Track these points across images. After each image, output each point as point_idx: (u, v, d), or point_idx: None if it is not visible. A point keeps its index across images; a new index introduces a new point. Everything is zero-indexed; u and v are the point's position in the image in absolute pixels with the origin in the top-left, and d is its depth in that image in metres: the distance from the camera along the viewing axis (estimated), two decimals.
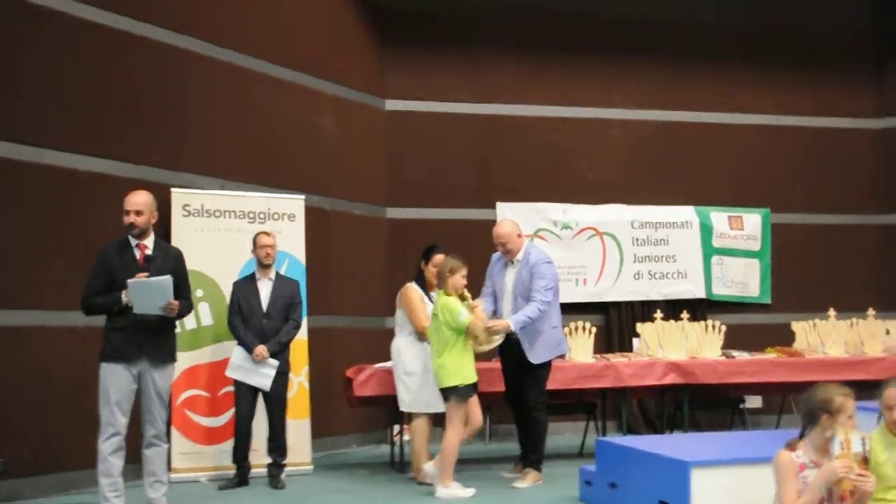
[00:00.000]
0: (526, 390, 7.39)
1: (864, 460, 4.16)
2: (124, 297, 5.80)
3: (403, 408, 7.55)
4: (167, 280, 5.89)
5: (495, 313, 7.48)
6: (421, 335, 7.38)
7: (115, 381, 5.84)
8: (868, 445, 4.17)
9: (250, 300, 7.48)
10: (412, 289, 7.60)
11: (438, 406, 7.20)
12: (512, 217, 10.81)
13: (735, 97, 11.72)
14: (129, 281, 5.78)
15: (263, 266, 7.56)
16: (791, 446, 4.46)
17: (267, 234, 7.66)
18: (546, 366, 7.40)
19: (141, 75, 8.07)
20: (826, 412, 4.32)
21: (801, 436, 4.48)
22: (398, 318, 7.68)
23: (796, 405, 4.64)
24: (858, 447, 4.15)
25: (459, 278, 6.87)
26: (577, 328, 8.48)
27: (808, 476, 4.28)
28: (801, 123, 11.90)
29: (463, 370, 6.79)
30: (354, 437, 9.95)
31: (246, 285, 7.56)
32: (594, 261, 10.87)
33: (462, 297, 6.88)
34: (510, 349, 7.33)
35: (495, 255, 7.81)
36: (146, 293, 5.82)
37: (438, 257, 7.44)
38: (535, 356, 7.29)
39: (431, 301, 7.37)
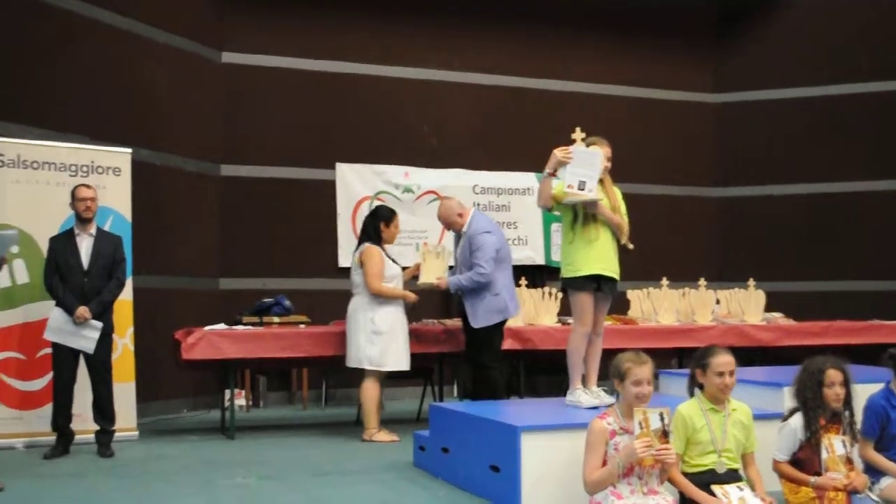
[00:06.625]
0: (477, 351, 7.60)
1: (664, 434, 4.33)
2: None
3: (366, 365, 7.50)
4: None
5: None
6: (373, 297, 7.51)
7: None
8: (667, 419, 4.33)
9: (69, 258, 7.07)
10: (375, 249, 7.60)
11: (403, 365, 7.58)
12: (353, 178, 10.78)
13: (579, 66, 11.91)
14: None
15: (83, 221, 7.15)
16: (605, 414, 4.59)
17: (87, 186, 7.26)
18: (489, 329, 7.51)
19: None
20: (617, 378, 4.52)
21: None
22: (357, 278, 7.62)
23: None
24: (657, 423, 4.31)
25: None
26: None
27: (619, 442, 4.42)
28: (641, 95, 12.21)
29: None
30: (184, 402, 9.71)
31: (64, 241, 7.14)
32: (435, 225, 10.75)
33: None
34: (464, 313, 7.64)
35: None
36: None
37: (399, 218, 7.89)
38: (475, 320, 7.50)
39: (390, 258, 7.66)
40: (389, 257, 7.68)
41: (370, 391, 7.55)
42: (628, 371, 4.46)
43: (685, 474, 4.57)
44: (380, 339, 7.47)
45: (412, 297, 7.61)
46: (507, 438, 5.18)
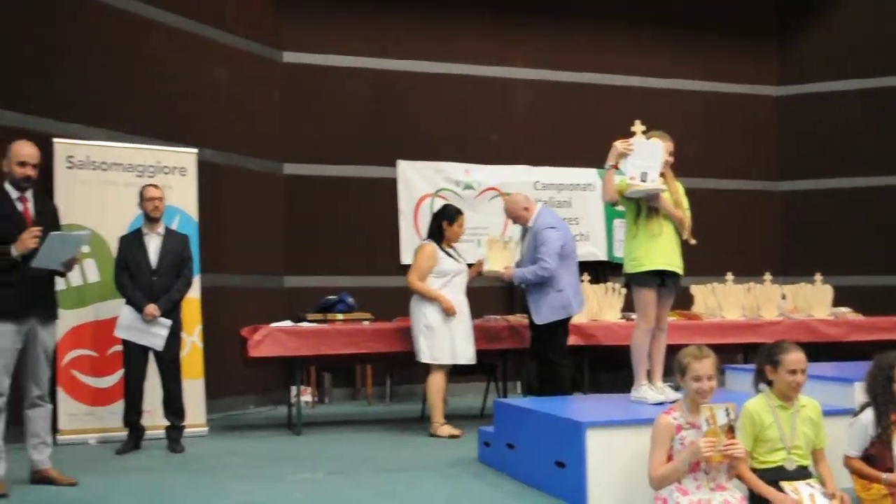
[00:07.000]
0: (544, 348, 7.60)
1: (730, 429, 4.28)
2: (15, 250, 5.50)
3: (423, 359, 7.61)
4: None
5: None
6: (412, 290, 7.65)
7: (3, 340, 5.55)
8: (733, 415, 4.28)
9: (138, 256, 7.20)
10: (429, 246, 7.73)
11: (455, 358, 7.59)
12: (414, 176, 10.85)
13: (639, 60, 11.88)
14: (52, 233, 5.56)
15: (151, 220, 7.28)
16: (671, 409, 4.58)
17: (154, 186, 7.40)
18: (553, 326, 7.51)
19: (19, 18, 7.78)
20: (679, 373, 4.50)
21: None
22: None
23: None
24: (724, 419, 4.26)
25: None
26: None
27: (686, 437, 4.40)
28: (702, 88, 12.15)
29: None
30: (251, 399, 9.85)
31: (133, 241, 7.28)
32: (497, 221, 10.79)
33: None
34: (528, 310, 7.64)
35: None
36: (59, 247, 5.62)
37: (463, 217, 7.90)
38: (539, 317, 7.50)
39: (451, 256, 7.71)
40: (451, 255, 7.72)
41: (432, 385, 7.64)
42: (688, 366, 4.43)
43: (754, 471, 4.53)
44: (432, 333, 7.56)
45: (448, 304, 7.55)
46: (572, 434, 5.17)
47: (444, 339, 7.55)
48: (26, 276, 5.57)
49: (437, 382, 7.61)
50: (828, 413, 4.88)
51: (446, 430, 7.60)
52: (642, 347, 6.06)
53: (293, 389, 8.36)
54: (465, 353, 7.66)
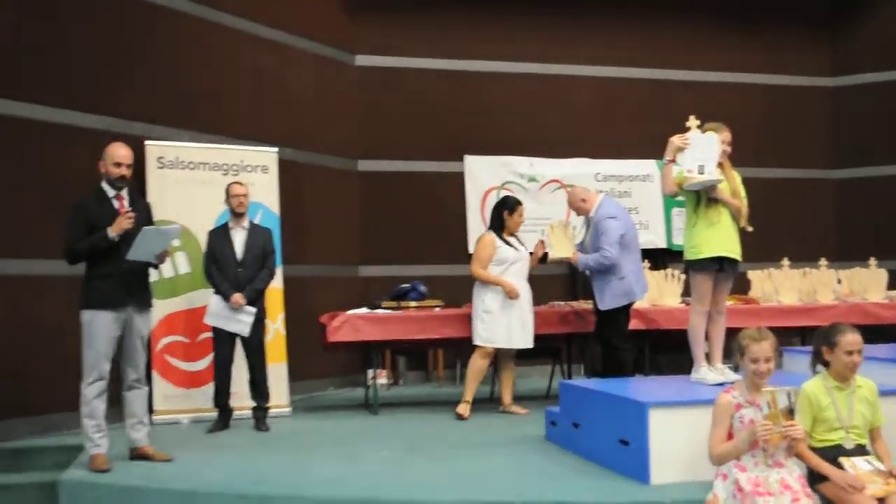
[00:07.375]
0: (606, 332, 7.82)
1: (790, 412, 4.34)
2: (111, 232, 5.80)
3: (477, 341, 7.90)
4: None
5: None
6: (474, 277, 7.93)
7: (104, 328, 5.86)
8: (793, 398, 4.35)
9: (225, 249, 7.52)
10: (487, 236, 8.02)
11: (511, 343, 7.86)
12: (481, 170, 11.12)
13: (695, 54, 11.98)
14: (146, 228, 5.88)
15: (236, 215, 7.61)
16: (731, 388, 4.68)
17: (239, 183, 7.72)
18: (615, 312, 7.72)
19: (115, 29, 8.13)
20: (739, 353, 4.57)
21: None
22: None
23: None
24: (784, 402, 4.33)
25: None
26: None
27: (745, 415, 4.49)
28: (757, 81, 12.22)
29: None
30: (331, 381, 10.19)
31: (220, 235, 7.60)
32: (559, 212, 10.94)
33: None
34: (593, 296, 7.86)
35: None
36: (152, 240, 5.91)
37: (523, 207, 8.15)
38: (602, 303, 7.72)
39: (509, 244, 7.96)
40: (510, 244, 7.96)
41: (472, 365, 7.93)
42: (747, 348, 4.47)
43: (814, 450, 4.56)
44: (489, 317, 7.81)
45: (509, 287, 7.77)
46: (635, 414, 5.31)
47: (499, 324, 7.81)
48: (123, 268, 5.89)
49: (477, 364, 7.91)
50: (884, 393, 4.93)
51: (462, 408, 7.92)
52: (699, 330, 6.25)
53: (370, 372, 8.63)
54: (521, 338, 7.89)
